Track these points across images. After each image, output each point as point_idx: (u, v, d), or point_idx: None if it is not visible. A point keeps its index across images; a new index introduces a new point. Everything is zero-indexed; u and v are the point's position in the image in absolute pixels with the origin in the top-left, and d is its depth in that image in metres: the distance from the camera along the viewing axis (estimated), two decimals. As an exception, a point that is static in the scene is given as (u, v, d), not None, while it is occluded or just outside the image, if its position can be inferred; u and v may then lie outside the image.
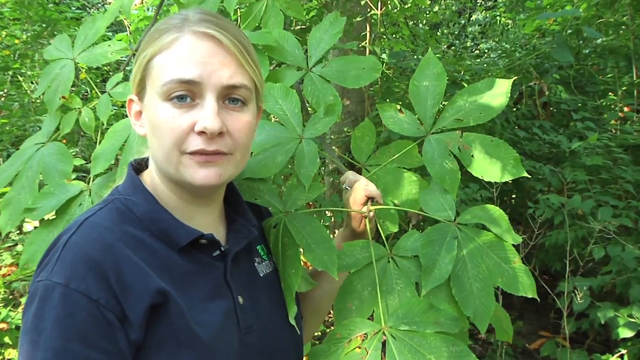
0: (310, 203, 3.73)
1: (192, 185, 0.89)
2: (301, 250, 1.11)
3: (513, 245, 1.15)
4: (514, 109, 4.32)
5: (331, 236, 1.29)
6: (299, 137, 1.27)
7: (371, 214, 1.19)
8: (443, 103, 1.33)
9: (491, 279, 1.12)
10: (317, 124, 1.29)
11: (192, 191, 0.94)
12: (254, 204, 1.17)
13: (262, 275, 1.05)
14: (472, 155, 1.20)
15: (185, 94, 0.86)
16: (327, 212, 3.67)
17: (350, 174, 1.27)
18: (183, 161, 0.88)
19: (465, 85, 4.26)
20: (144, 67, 0.91)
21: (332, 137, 4.31)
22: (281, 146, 1.25)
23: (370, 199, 1.20)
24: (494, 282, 1.12)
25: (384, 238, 1.22)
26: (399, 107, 1.30)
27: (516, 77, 4.23)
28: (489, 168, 1.19)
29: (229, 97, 0.90)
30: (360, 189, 1.19)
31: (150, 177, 0.97)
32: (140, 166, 1.02)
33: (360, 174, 1.34)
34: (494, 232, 1.17)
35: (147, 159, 1.02)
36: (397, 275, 1.14)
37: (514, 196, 4.40)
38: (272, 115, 1.35)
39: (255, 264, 1.06)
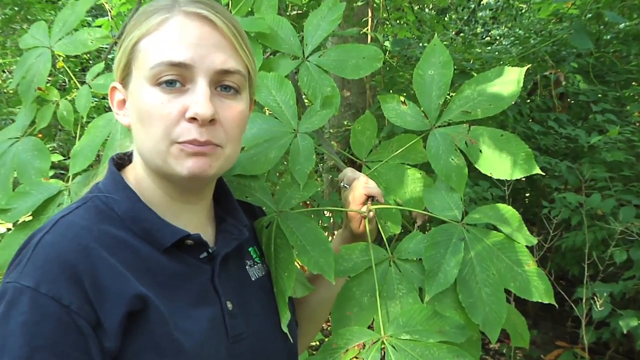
0: (308, 202, 3.76)
1: (180, 177, 0.89)
2: (296, 252, 1.12)
3: (527, 247, 1.16)
4: (528, 101, 4.33)
5: (330, 238, 1.30)
6: (294, 132, 1.28)
7: (371, 214, 1.20)
8: (450, 94, 1.34)
9: (502, 284, 1.12)
10: (313, 117, 1.29)
11: (180, 185, 0.94)
12: (246, 202, 1.18)
13: (253, 279, 1.05)
14: (480, 151, 1.21)
15: (175, 78, 0.87)
16: (325, 212, 3.70)
17: (349, 171, 1.28)
18: (172, 151, 0.88)
19: (475, 75, 4.27)
20: (130, 50, 0.91)
21: (331, 131, 4.32)
22: (274, 141, 1.26)
23: (370, 198, 1.20)
24: (505, 287, 1.12)
25: (385, 240, 1.23)
26: (402, 98, 1.31)
27: (530, 66, 4.23)
28: (499, 164, 1.20)
29: (221, 83, 0.91)
30: (360, 187, 1.20)
31: (134, 173, 0.97)
32: (122, 161, 1.02)
33: (360, 171, 1.34)
34: (505, 233, 1.17)
35: (130, 154, 1.02)
36: (399, 280, 1.14)
37: (527, 195, 4.42)
38: (265, 108, 1.36)
39: (247, 267, 1.06)
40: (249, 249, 1.10)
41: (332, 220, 3.89)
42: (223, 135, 0.90)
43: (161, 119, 0.86)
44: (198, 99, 0.86)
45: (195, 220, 0.99)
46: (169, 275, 0.89)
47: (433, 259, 1.13)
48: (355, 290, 1.14)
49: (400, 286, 1.14)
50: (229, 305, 0.95)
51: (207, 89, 0.88)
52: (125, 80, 0.94)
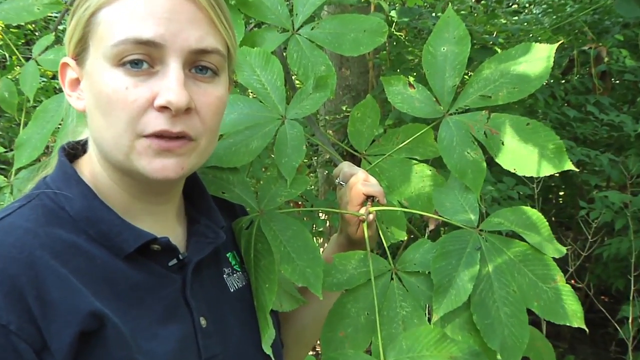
0: (300, 202, 3.76)
1: (145, 177, 0.89)
2: (278, 260, 1.12)
3: (555, 259, 1.17)
4: (563, 82, 4.34)
5: (325, 244, 1.31)
6: (281, 118, 1.28)
7: (370, 216, 1.21)
8: (468, 74, 1.35)
9: (524, 302, 1.13)
10: (304, 101, 1.30)
11: (144, 185, 0.94)
12: (224, 200, 1.18)
13: (232, 290, 1.06)
14: (502, 142, 1.21)
15: (142, 58, 0.86)
16: (319, 213, 3.69)
17: (345, 166, 1.28)
18: (137, 146, 0.87)
19: (499, 50, 4.26)
20: (86, 22, 0.90)
21: (327, 118, 4.31)
22: (257, 128, 1.26)
23: (370, 198, 1.21)
24: (527, 306, 1.13)
25: (386, 248, 1.24)
26: (409, 80, 1.32)
27: (565, 40, 4.23)
28: (524, 159, 1.20)
29: (197, 64, 0.90)
30: (357, 184, 1.21)
31: (89, 166, 0.97)
32: (75, 151, 1.01)
33: (359, 166, 1.35)
34: (529, 242, 1.18)
35: (85, 142, 1.02)
36: (403, 297, 1.15)
37: (561, 194, 4.43)
38: (248, 90, 1.36)
39: (224, 275, 1.07)
40: (227, 255, 1.11)
41: (328, 224, 3.89)
42: (199, 126, 0.90)
43: (125, 107, 0.85)
44: (170, 84, 0.86)
45: (161, 221, 1.00)
46: (130, 286, 0.88)
47: (443, 271, 1.13)
48: (350, 307, 1.15)
49: (404, 304, 1.14)
50: (203, 322, 0.95)
51: (180, 71, 0.87)
52: (80, 56, 0.93)
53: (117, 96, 0.85)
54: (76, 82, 0.96)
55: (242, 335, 1.03)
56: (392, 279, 1.17)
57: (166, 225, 1.01)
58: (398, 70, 4.18)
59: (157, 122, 0.86)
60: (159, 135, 0.87)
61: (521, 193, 3.44)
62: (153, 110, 0.86)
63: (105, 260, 0.88)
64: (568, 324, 1.14)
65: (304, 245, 1.13)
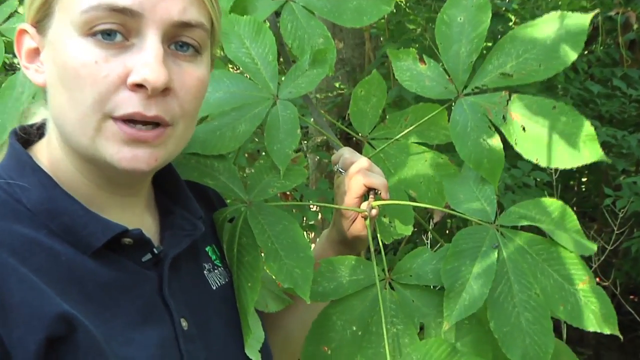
0: (288, 193, 3.76)
1: (112, 167, 0.88)
2: (264, 257, 1.12)
3: (582, 256, 1.17)
4: (585, 53, 4.33)
5: (318, 239, 1.31)
6: (273, 97, 1.28)
7: (374, 212, 1.21)
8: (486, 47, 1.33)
9: (548, 307, 1.13)
10: (299, 79, 1.30)
11: (112, 176, 0.94)
12: (196, 184, 1.18)
13: (214, 287, 1.07)
14: (523, 128, 1.20)
15: (116, 28, 0.85)
16: (311, 206, 3.68)
17: (346, 152, 1.28)
18: (104, 129, 0.86)
19: (512, 18, 4.23)
20: None
21: (318, 96, 4.29)
22: (246, 109, 1.26)
23: (372, 191, 1.21)
24: (552, 311, 1.13)
25: (382, 250, 1.23)
26: (419, 54, 1.32)
27: (588, 5, 4.22)
28: (548, 148, 1.18)
29: (177, 40, 0.90)
30: (359, 174, 1.21)
31: (48, 152, 0.96)
32: (28, 136, 1.00)
33: (361, 151, 1.35)
34: (554, 238, 1.18)
35: (40, 126, 1.00)
36: (395, 312, 1.15)
37: (584, 179, 4.44)
38: (231, 65, 1.36)
39: (205, 272, 1.07)
40: (206, 249, 1.11)
41: (320, 216, 3.88)
42: (177, 110, 0.90)
43: (94, 83, 0.84)
44: (147, 59, 0.85)
45: (130, 213, 1.00)
46: (101, 286, 0.88)
47: (455, 273, 1.14)
48: (336, 320, 1.15)
49: (396, 320, 1.15)
50: (184, 324, 0.95)
51: (159, 45, 0.86)
52: (41, 23, 0.91)
53: (85, 70, 0.84)
54: (35, 52, 0.94)
55: (227, 339, 1.04)
56: (385, 288, 1.17)
57: (136, 217, 1.01)
58: (398, 42, 4.16)
59: (129, 102, 0.85)
60: (130, 120, 0.86)
61: (538, 180, 3.45)
62: (125, 88, 0.85)
63: (71, 258, 0.86)
64: (599, 331, 1.13)
65: (293, 243, 1.13)
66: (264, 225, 1.14)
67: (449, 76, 1.28)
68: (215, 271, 1.09)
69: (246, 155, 3.31)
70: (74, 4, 0.85)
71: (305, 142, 4.35)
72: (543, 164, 1.20)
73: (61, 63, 0.87)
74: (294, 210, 3.57)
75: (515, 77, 1.23)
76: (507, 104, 1.22)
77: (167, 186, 1.08)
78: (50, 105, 0.93)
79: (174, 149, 0.93)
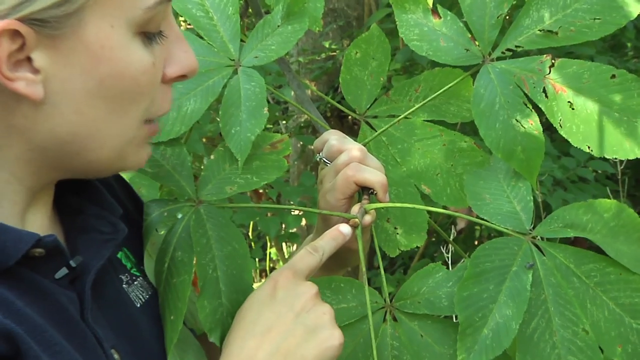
0: (261, 190, 3.72)
1: (120, 171, 1.07)
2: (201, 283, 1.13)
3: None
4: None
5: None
6: (233, 64, 1.29)
7: (367, 218, 1.20)
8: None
9: (599, 348, 1.11)
10: (268, 38, 1.30)
11: (76, 175, 1.01)
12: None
13: (139, 305, 1.10)
14: (571, 105, 1.19)
15: None
16: (290, 209, 3.65)
17: (332, 137, 1.28)
18: (138, 137, 0.99)
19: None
20: None
21: (301, 60, 4.25)
22: (196, 81, 1.27)
23: (366, 190, 1.21)
24: (606, 355, 1.11)
25: (380, 265, 1.22)
26: (430, 4, 1.31)
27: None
28: (604, 132, 1.18)
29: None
30: (348, 169, 1.21)
31: None
32: None
33: (357, 134, 1.36)
34: (610, 255, 1.15)
35: None
36: (398, 351, 1.15)
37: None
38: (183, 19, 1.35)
39: (124, 285, 1.10)
40: (118, 255, 1.13)
41: (304, 223, 3.85)
42: None
43: (151, 89, 0.96)
44: (185, 46, 0.99)
45: (40, 215, 1.02)
46: (25, 319, 0.88)
47: (474, 302, 1.12)
48: None
49: None
50: (116, 356, 0.98)
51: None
52: (51, 22, 0.88)
53: (145, 78, 0.94)
54: (20, 57, 0.90)
55: None
56: (384, 320, 1.18)
57: (45, 218, 1.03)
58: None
59: (167, 99, 1.02)
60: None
61: (599, 172, 3.43)
62: (160, 85, 0.98)
63: None
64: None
65: (239, 277, 1.16)
66: (210, 240, 1.15)
67: (472, 34, 1.28)
68: (135, 283, 1.12)
69: (204, 140, 3.30)
70: None
71: (285, 122, 4.32)
72: (598, 153, 1.19)
73: (111, 72, 0.92)
74: (268, 214, 3.56)
75: (560, 35, 1.23)
76: (550, 71, 1.21)
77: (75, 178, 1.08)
78: (52, 123, 0.93)
79: None
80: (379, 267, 1.21)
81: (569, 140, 1.20)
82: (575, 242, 2.59)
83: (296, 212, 3.72)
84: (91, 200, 1.07)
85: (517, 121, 1.22)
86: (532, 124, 1.22)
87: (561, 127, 1.20)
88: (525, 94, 1.22)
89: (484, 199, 1.23)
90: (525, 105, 1.22)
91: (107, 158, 0.97)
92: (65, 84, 0.91)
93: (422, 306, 1.17)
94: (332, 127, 1.32)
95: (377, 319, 1.16)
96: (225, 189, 1.21)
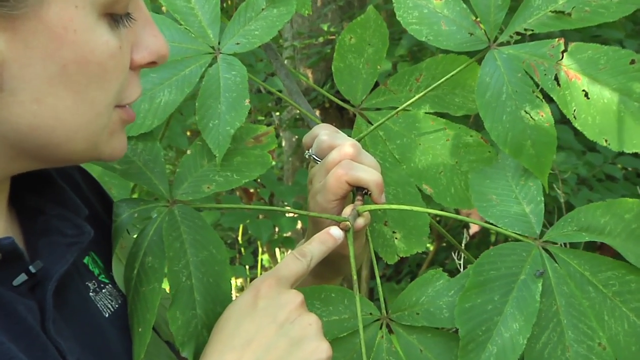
0: (252, 190, 3.72)
1: (98, 160, 1.05)
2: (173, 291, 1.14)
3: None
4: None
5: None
6: (212, 51, 1.30)
7: (360, 221, 1.21)
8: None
9: None
10: (252, 22, 1.32)
11: (43, 165, 1.02)
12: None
13: (107, 315, 1.11)
14: (586, 94, 1.19)
15: None
16: (284, 211, 3.65)
17: (322, 131, 1.29)
18: (112, 123, 1.01)
19: None
20: None
21: (296, 44, 4.24)
22: (171, 69, 1.29)
23: (359, 191, 1.22)
24: None
25: (376, 273, 1.23)
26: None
27: None
28: (622, 124, 1.17)
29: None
30: (339, 168, 1.22)
31: None
32: None
33: (351, 129, 1.37)
34: (630, 261, 1.14)
35: None
36: None
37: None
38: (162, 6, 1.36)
39: (91, 293, 1.11)
40: (84, 260, 1.14)
41: (299, 226, 3.85)
42: None
43: (119, 75, 0.97)
44: (154, 31, 1.01)
45: None
46: None
47: (478, 314, 1.12)
48: None
49: None
50: None
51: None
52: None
53: (112, 63, 0.95)
54: None
55: None
56: (379, 332, 1.18)
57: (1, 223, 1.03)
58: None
59: (137, 85, 1.03)
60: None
61: (629, 169, 3.42)
62: (129, 70, 1.00)
63: None
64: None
65: (216, 285, 1.16)
66: (184, 244, 1.15)
67: (476, 17, 1.28)
68: (104, 291, 1.13)
69: (189, 133, 3.30)
70: None
71: (278, 113, 4.32)
72: (615, 147, 1.19)
73: (74, 57, 0.93)
74: (259, 217, 3.58)
75: (574, 16, 1.23)
76: (562, 57, 1.21)
77: (29, 174, 1.08)
78: (10, 113, 0.93)
79: None
80: (382, 275, 1.20)
81: (584, 133, 1.20)
82: (601, 247, 2.59)
83: (291, 214, 3.72)
84: (53, 200, 1.08)
85: (527, 112, 1.22)
86: (542, 116, 1.22)
87: (575, 118, 1.20)
88: (536, 82, 1.22)
89: (490, 200, 1.23)
90: (535, 94, 1.22)
91: (81, 149, 0.98)
92: (24, 70, 0.91)
93: (421, 318, 1.17)
94: (332, 119, 1.33)
95: (371, 332, 1.16)
96: (202, 187, 1.22)
